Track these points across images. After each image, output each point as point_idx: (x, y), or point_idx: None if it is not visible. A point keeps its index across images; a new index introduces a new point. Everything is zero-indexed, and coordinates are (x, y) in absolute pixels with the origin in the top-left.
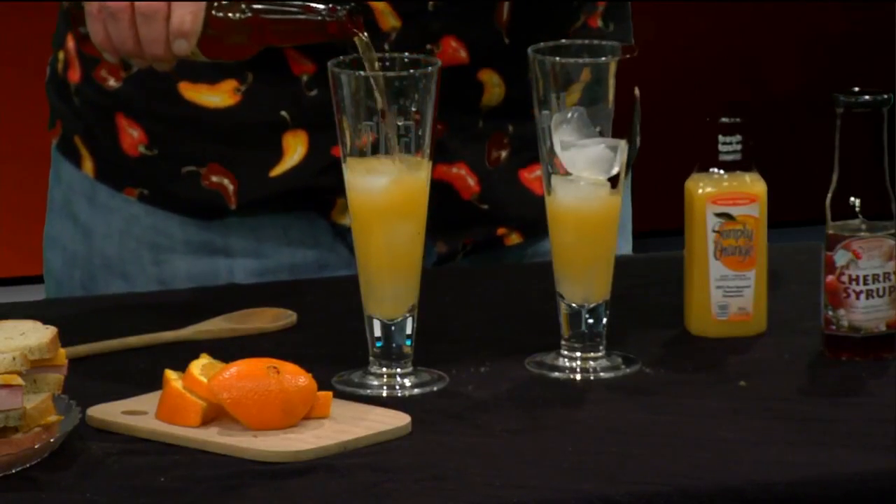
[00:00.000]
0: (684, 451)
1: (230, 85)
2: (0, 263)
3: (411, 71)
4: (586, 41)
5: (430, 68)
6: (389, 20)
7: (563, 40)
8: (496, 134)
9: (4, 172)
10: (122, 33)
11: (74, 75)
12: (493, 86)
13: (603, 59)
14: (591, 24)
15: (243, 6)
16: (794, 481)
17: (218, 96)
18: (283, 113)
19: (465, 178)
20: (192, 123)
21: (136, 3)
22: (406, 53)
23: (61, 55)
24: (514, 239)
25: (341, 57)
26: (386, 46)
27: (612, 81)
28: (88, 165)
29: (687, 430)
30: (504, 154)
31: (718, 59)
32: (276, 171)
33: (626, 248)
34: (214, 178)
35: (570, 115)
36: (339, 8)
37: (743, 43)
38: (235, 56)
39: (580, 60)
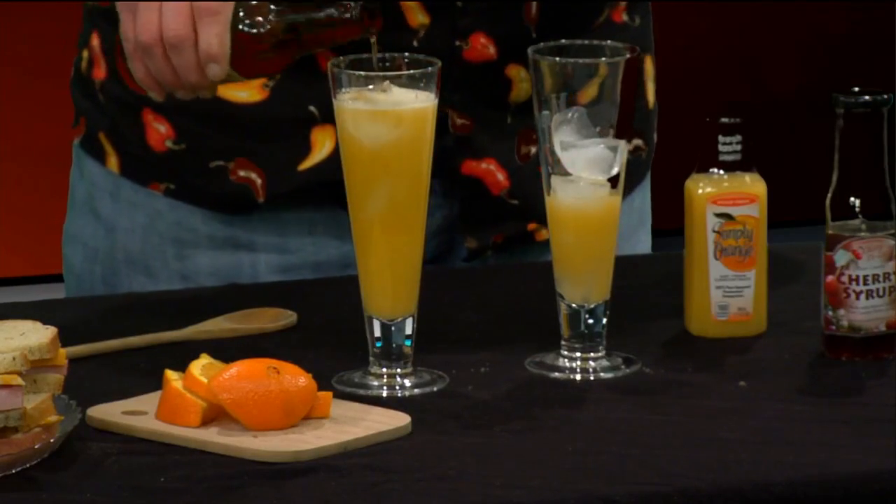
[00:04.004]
0: (684, 451)
1: (259, 80)
2: (13, 263)
3: (411, 71)
4: (586, 41)
5: (430, 68)
6: (418, 17)
7: (563, 40)
8: (525, 129)
9: (13, 173)
10: (158, 66)
11: (99, 73)
12: (520, 81)
13: (604, 59)
14: (615, 19)
15: (267, 17)
16: (794, 481)
17: (246, 91)
18: (312, 108)
19: (495, 173)
20: (220, 118)
21: (165, 35)
22: (406, 53)
23: (85, 53)
24: (545, 234)
25: (341, 57)
26: (415, 43)
27: (613, 81)
28: (113, 161)
29: (687, 430)
30: (533, 149)
31: (718, 59)
32: (305, 164)
33: (647, 243)
34: (242, 173)
35: (570, 115)
36: (352, 5)
37: (743, 43)
38: (271, 69)
39: (580, 61)
